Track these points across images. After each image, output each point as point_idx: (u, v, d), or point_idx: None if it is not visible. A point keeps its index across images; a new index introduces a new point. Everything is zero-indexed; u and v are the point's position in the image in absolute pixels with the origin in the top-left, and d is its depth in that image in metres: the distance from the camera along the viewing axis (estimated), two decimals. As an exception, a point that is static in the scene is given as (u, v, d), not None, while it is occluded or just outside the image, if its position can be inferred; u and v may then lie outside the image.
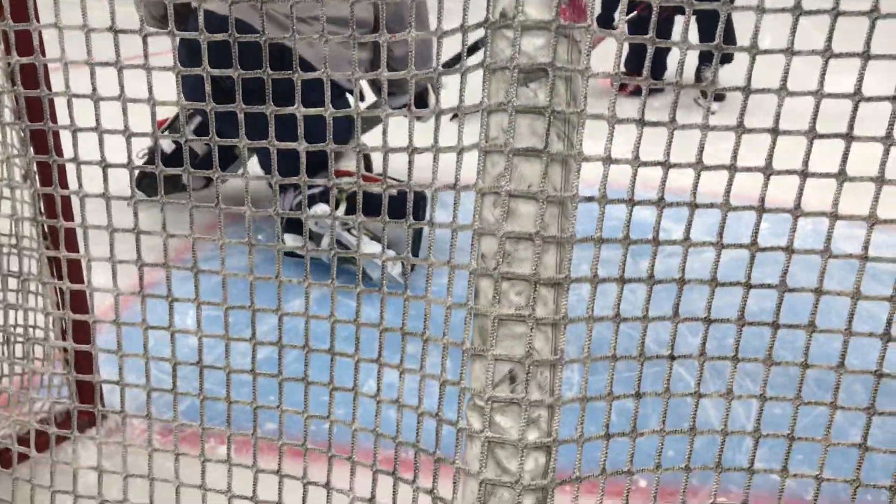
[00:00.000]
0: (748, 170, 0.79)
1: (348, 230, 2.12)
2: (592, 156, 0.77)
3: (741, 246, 0.80)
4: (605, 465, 0.80)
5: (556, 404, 0.76)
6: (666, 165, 0.79)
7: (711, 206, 0.79)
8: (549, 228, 0.75)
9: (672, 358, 0.81)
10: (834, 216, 0.78)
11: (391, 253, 1.49)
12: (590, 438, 0.79)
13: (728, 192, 0.79)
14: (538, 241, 0.74)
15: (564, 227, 0.76)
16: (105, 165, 0.93)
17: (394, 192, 1.20)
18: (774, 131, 0.78)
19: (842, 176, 0.77)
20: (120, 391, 1.01)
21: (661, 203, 0.78)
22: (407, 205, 0.85)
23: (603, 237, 0.78)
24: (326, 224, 2.08)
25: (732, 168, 0.79)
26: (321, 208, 2.05)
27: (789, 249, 0.79)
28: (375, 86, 2.49)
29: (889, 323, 0.79)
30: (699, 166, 0.78)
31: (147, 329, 0.97)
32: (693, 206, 0.79)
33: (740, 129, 0.78)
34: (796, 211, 0.78)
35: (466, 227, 0.78)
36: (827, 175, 0.78)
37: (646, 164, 0.78)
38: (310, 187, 1.96)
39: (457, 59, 2.08)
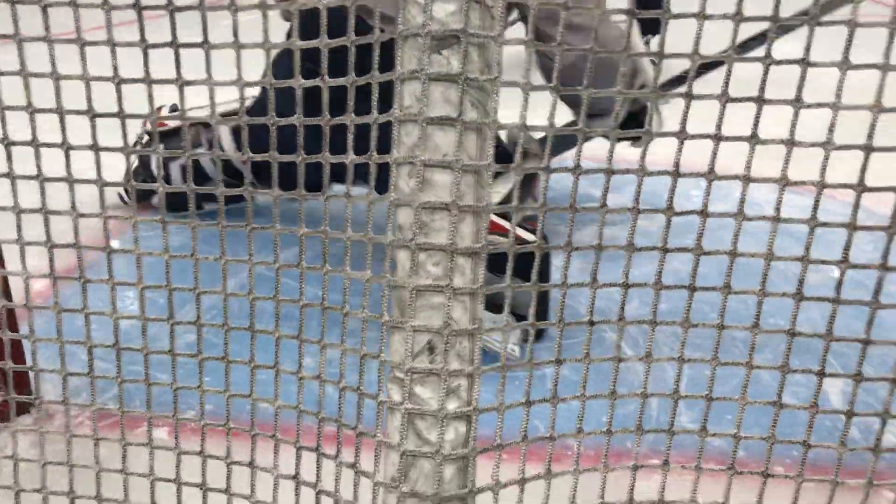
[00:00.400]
0: (663, 135, 0.79)
1: None
2: (507, 124, 0.77)
3: (657, 211, 0.80)
4: (525, 432, 0.80)
5: (475, 373, 0.75)
6: (581, 132, 0.78)
7: (627, 171, 0.79)
8: (465, 198, 0.74)
9: (591, 323, 0.82)
10: (747, 179, 0.79)
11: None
12: (510, 406, 0.79)
13: (643, 157, 0.79)
14: (454, 211, 0.73)
15: (480, 196, 0.75)
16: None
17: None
18: (688, 96, 0.78)
19: (754, 139, 0.78)
20: (34, 377, 0.98)
21: (576, 170, 0.78)
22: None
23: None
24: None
25: (648, 133, 0.79)
26: None
27: (704, 213, 0.80)
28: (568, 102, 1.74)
29: (801, 283, 0.81)
30: (616, 133, 0.79)
31: (60, 312, 0.94)
32: (609, 172, 0.79)
33: (654, 93, 0.78)
34: (709, 175, 0.79)
35: (383, 198, 0.77)
36: (739, 138, 0.79)
37: (561, 130, 0.78)
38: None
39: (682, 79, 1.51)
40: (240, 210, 1.01)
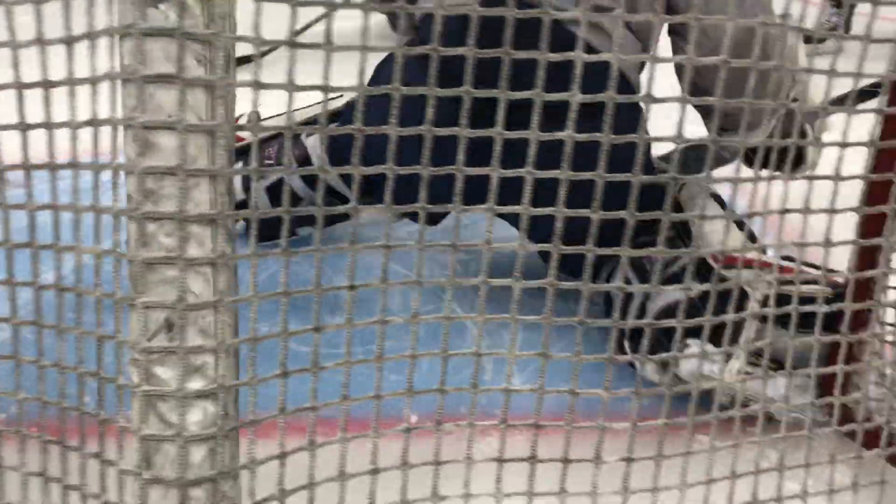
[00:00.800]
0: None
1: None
2: (244, 81, 0.72)
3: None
4: (283, 405, 0.77)
5: (220, 349, 0.71)
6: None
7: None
8: (197, 161, 0.69)
9: (352, 287, 0.79)
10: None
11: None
12: (264, 379, 0.75)
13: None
14: (182, 175, 0.68)
15: (215, 159, 0.71)
16: None
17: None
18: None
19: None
20: None
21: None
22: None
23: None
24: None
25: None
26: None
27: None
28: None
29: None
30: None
31: None
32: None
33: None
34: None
35: (107, 166, 0.71)
36: None
37: (303, 88, 0.74)
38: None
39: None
40: None
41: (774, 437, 0.95)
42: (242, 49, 0.73)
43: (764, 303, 0.91)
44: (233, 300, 0.72)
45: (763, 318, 0.96)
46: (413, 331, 0.83)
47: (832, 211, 0.90)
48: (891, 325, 1.14)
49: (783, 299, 0.94)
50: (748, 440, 0.94)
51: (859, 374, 1.15)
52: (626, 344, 1.24)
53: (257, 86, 0.72)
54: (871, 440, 1.03)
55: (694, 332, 0.98)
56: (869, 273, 0.96)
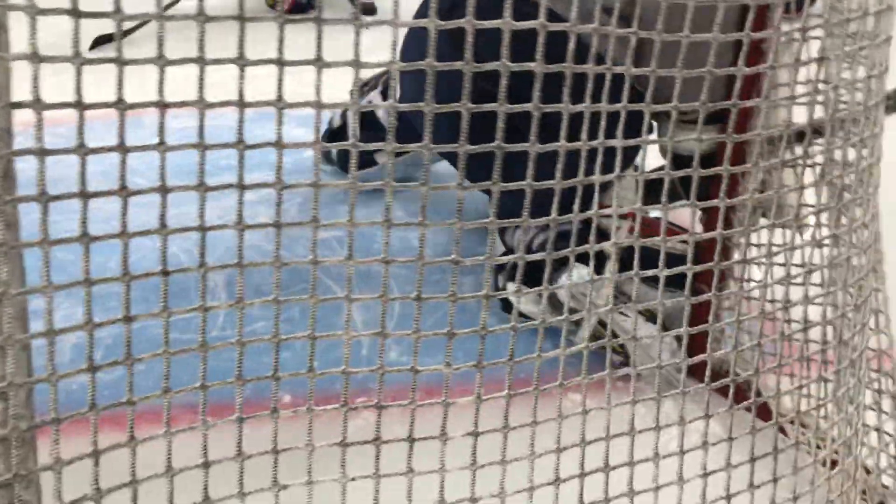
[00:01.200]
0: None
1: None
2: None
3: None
4: (93, 400, 0.72)
5: (4, 344, 0.66)
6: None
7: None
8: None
9: (165, 273, 0.75)
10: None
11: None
12: (66, 375, 0.70)
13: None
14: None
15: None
16: None
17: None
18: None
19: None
20: None
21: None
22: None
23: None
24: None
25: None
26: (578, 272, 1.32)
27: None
28: None
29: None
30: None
31: None
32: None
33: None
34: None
35: None
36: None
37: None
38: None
39: None
40: None
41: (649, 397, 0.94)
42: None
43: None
44: (19, 292, 0.67)
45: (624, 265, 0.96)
46: (239, 317, 0.78)
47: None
48: (755, 282, 1.14)
49: (649, 259, 0.93)
50: (623, 402, 0.92)
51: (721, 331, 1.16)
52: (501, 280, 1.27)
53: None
54: (739, 395, 1.03)
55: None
56: (721, 233, 0.95)
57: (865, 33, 0.95)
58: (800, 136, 0.97)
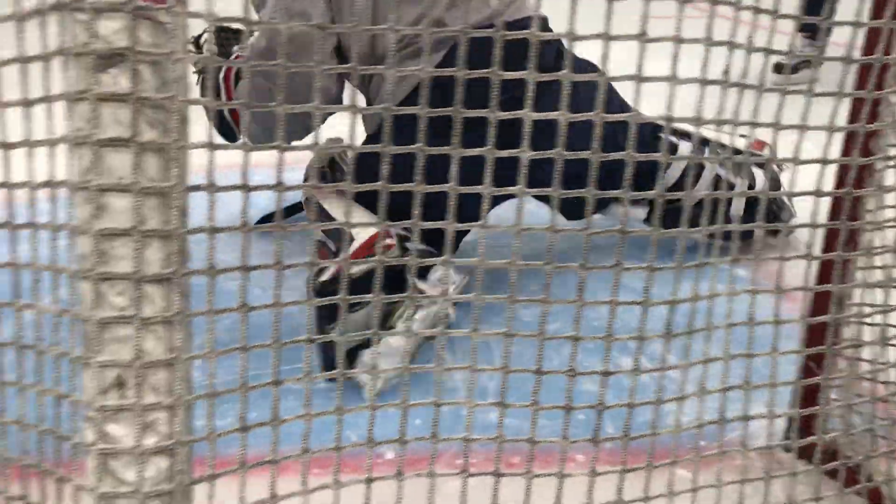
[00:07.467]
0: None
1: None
2: (195, 143, 0.74)
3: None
4: (244, 458, 0.77)
5: (176, 404, 0.72)
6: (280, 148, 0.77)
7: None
8: (149, 222, 0.71)
9: (310, 341, 0.80)
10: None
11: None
12: (222, 434, 0.76)
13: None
14: (136, 237, 0.70)
15: (168, 219, 0.72)
16: None
17: None
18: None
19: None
20: None
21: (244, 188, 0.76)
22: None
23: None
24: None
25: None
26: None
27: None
28: None
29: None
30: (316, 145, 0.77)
31: None
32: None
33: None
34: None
35: (65, 226, 0.73)
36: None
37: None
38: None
39: None
40: None
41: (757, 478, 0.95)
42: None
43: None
44: (188, 357, 0.73)
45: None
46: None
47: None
48: (867, 361, 1.14)
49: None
50: (733, 481, 0.94)
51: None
52: None
53: (211, 147, 0.74)
54: (849, 478, 1.03)
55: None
56: (833, 317, 0.96)
57: None
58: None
